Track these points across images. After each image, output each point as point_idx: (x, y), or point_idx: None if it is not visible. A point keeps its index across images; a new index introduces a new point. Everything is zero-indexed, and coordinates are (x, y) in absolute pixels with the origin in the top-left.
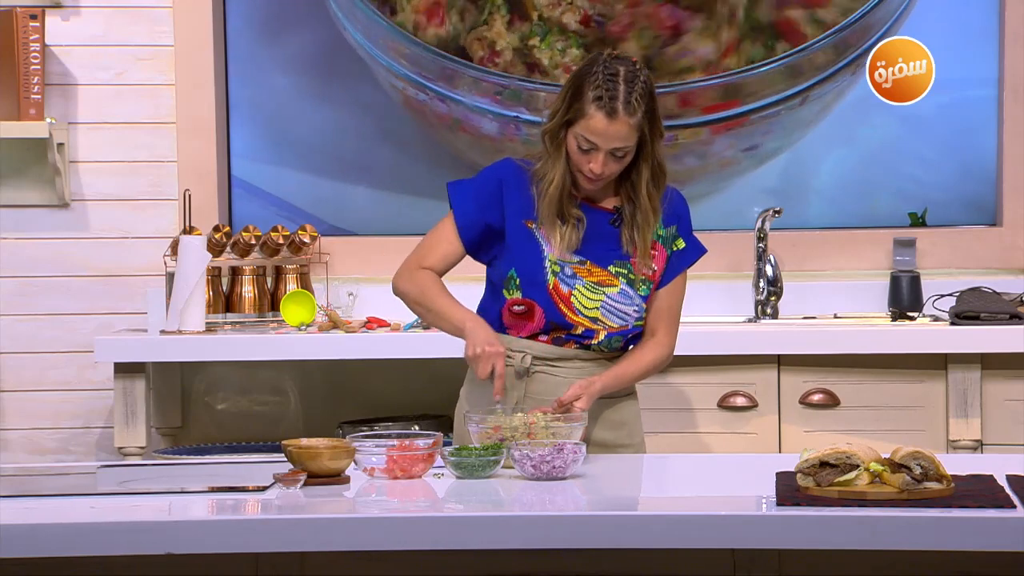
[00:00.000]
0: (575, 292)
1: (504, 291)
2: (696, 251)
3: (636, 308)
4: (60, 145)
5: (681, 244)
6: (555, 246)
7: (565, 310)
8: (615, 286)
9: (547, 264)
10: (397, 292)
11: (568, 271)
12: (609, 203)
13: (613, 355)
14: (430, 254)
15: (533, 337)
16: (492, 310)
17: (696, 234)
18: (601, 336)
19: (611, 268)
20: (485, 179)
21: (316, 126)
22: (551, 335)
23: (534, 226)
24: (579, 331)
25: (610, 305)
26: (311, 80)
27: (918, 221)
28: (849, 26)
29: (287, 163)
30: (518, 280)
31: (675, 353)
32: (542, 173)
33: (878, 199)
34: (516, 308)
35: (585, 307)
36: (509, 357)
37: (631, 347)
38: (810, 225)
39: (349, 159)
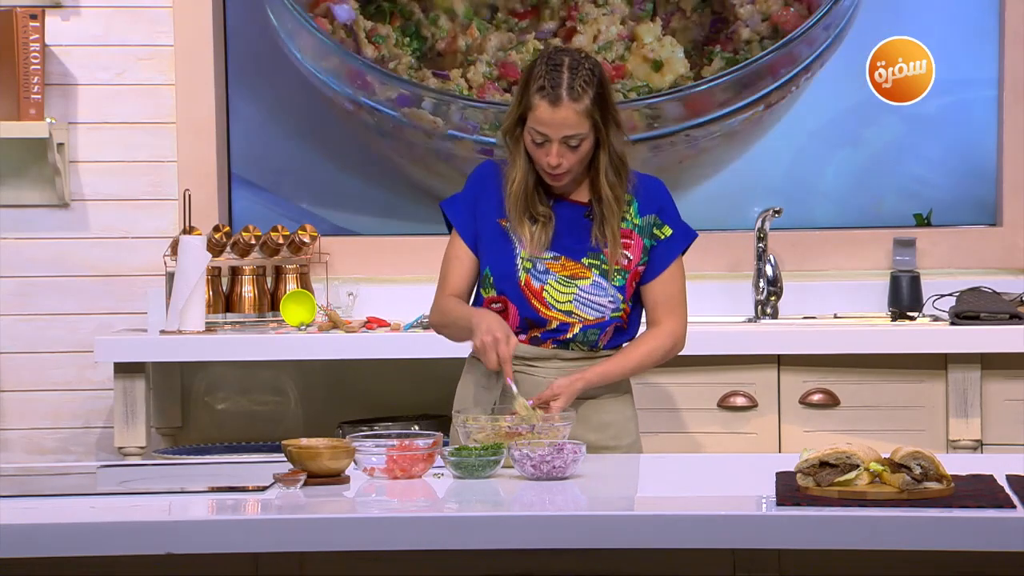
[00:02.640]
0: (547, 287)
1: (482, 290)
2: (686, 237)
3: (611, 299)
4: (60, 145)
5: (668, 231)
6: (526, 245)
7: (538, 305)
8: (587, 278)
9: (519, 261)
10: (433, 328)
11: (540, 267)
12: (583, 196)
13: (593, 353)
14: (449, 278)
15: None
16: None
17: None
18: (576, 329)
19: (584, 260)
20: (470, 187)
21: (317, 126)
22: (528, 334)
23: (508, 224)
24: (554, 325)
25: (583, 297)
26: (312, 80)
27: (923, 222)
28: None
29: (288, 162)
30: (492, 278)
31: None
32: (507, 173)
33: (878, 199)
34: (494, 307)
35: (558, 301)
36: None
37: (625, 344)
38: (810, 225)
39: (350, 158)
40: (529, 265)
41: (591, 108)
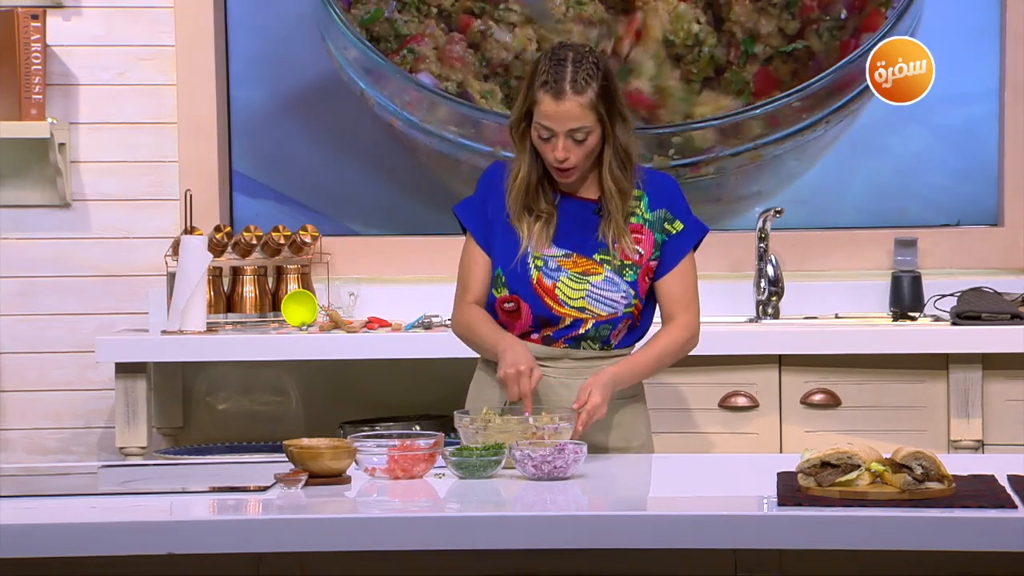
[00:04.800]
0: (559, 284)
1: (494, 290)
2: (697, 231)
3: (623, 295)
4: (61, 145)
5: (679, 226)
6: (524, 239)
7: (550, 303)
8: (599, 274)
9: (530, 259)
10: (456, 335)
11: (552, 264)
12: (592, 193)
13: (605, 351)
14: (468, 283)
15: (524, 336)
16: (490, 312)
17: None
18: (589, 325)
19: (596, 256)
20: (480, 189)
21: (318, 125)
22: (541, 333)
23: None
24: (567, 322)
25: (595, 293)
26: (313, 81)
27: None
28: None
29: (289, 163)
30: (504, 278)
31: None
32: (512, 167)
33: (883, 202)
34: (507, 306)
35: (570, 298)
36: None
37: (638, 342)
38: (812, 225)
39: (352, 158)
40: (541, 263)
41: (595, 101)
